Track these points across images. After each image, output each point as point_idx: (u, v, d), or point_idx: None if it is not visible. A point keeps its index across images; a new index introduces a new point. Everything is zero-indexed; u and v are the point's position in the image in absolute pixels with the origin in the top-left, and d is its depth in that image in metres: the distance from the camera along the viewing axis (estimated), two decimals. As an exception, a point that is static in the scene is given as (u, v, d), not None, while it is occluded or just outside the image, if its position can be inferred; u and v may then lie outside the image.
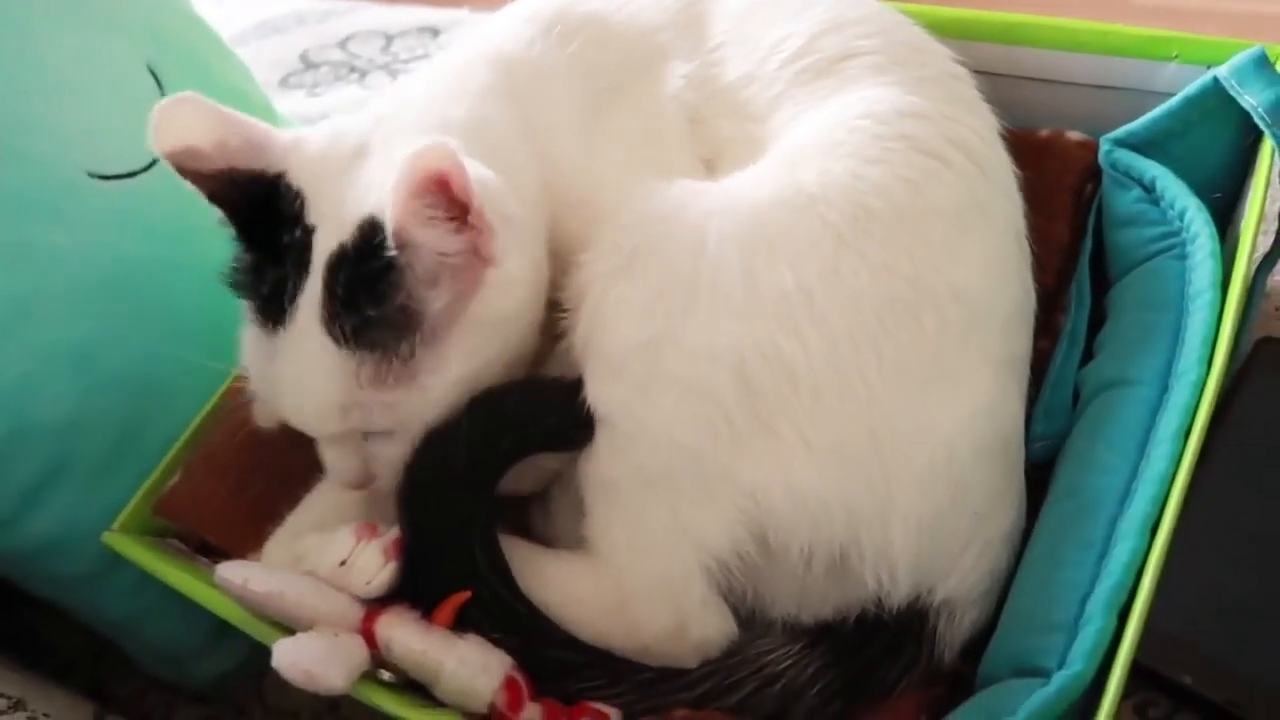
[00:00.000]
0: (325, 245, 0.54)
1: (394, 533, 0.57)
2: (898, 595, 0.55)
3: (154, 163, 0.75)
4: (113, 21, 0.79)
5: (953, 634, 0.56)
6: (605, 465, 0.56)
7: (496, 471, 0.57)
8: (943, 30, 0.78)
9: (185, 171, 0.55)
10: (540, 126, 0.62)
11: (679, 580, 0.55)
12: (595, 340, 0.56)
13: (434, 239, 0.53)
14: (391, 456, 0.57)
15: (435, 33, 1.49)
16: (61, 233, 0.69)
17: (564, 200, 0.60)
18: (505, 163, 0.58)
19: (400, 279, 0.53)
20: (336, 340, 0.54)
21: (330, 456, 0.58)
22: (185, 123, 0.55)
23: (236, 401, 0.68)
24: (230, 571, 0.57)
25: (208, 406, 0.69)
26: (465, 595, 0.55)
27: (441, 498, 0.56)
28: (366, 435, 0.57)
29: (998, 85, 0.79)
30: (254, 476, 0.67)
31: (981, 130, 0.63)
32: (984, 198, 0.60)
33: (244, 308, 0.58)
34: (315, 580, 0.56)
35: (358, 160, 0.57)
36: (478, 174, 0.54)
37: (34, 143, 0.70)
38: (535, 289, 0.59)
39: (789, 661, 0.54)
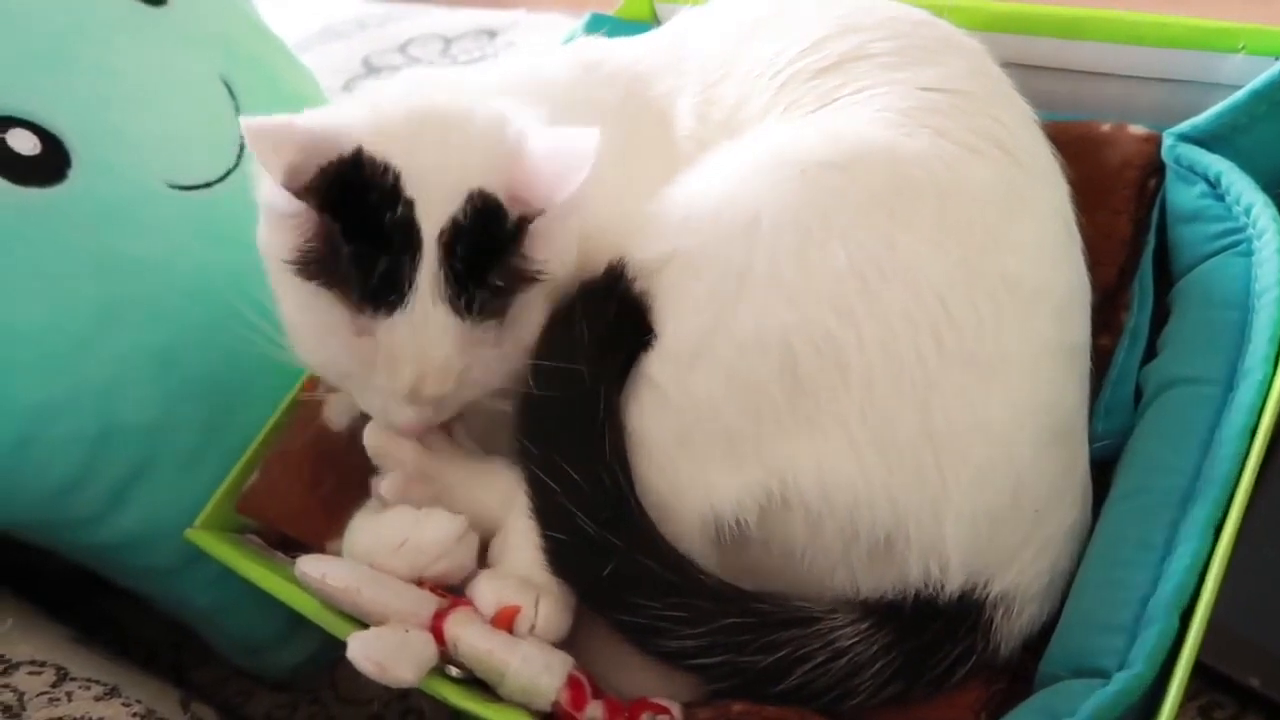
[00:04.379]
0: (433, 219, 0.55)
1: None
2: (951, 585, 0.54)
3: (227, 174, 0.78)
4: (188, 34, 0.81)
5: (1010, 628, 0.56)
6: (645, 421, 0.57)
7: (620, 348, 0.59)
8: (1003, 25, 0.78)
9: (299, 194, 0.53)
10: None
11: (672, 506, 0.56)
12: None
13: (561, 205, 0.55)
14: (464, 399, 0.59)
15: (492, 35, 1.51)
16: (144, 242, 0.71)
17: (599, 223, 0.61)
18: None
19: (532, 247, 0.55)
20: (460, 314, 0.55)
21: (407, 412, 0.59)
22: (275, 145, 0.54)
23: (308, 402, 0.72)
24: (310, 566, 0.59)
25: (282, 406, 0.72)
26: (519, 608, 0.56)
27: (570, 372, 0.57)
28: None
29: (1060, 79, 0.78)
30: (325, 474, 0.69)
31: (1009, 121, 0.62)
32: (1021, 185, 0.60)
33: (311, 294, 0.56)
34: (390, 578, 0.58)
35: (448, 131, 0.57)
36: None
37: (116, 154, 0.72)
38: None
39: (857, 638, 0.54)
